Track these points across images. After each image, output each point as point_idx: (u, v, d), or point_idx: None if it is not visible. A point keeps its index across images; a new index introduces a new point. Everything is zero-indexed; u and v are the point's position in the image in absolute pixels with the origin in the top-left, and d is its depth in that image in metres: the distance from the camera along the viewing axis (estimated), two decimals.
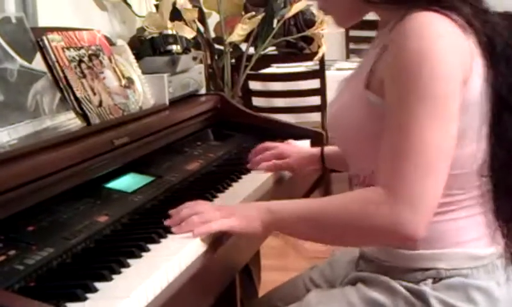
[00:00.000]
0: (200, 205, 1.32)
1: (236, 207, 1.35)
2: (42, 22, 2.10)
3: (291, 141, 1.90)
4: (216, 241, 1.28)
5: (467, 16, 1.23)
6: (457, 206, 1.27)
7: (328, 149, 1.73)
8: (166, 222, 1.30)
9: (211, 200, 1.52)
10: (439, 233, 1.25)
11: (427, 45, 1.17)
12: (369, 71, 1.28)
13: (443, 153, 1.17)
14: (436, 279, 1.25)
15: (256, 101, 3.90)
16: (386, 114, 1.21)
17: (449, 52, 1.19)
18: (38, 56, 1.58)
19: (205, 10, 3.24)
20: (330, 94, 3.67)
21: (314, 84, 3.73)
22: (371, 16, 1.41)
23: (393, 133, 1.19)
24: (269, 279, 2.27)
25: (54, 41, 1.63)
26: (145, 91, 1.90)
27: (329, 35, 3.45)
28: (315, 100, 3.73)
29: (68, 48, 1.66)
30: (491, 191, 1.30)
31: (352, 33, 5.30)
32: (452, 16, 1.21)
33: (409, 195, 1.15)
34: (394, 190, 1.16)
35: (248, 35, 3.25)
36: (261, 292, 2.27)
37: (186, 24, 2.90)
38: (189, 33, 2.71)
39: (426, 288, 1.24)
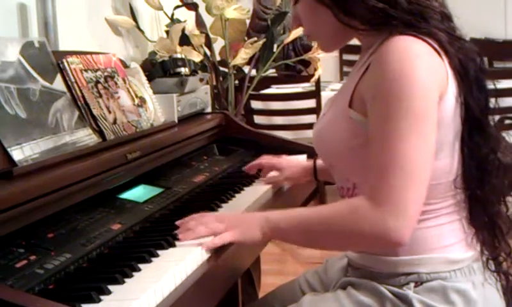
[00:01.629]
0: (205, 217, 1.32)
1: (237, 218, 1.35)
2: (63, 46, 2.10)
3: (284, 156, 1.90)
4: (220, 248, 1.28)
5: (442, 42, 1.24)
6: (434, 214, 1.27)
7: (320, 162, 1.74)
8: (175, 232, 1.31)
9: (216, 210, 1.52)
10: (418, 239, 1.24)
11: (407, 66, 1.18)
12: (353, 91, 1.28)
13: (424, 164, 1.17)
14: (418, 283, 1.25)
15: (258, 119, 3.90)
16: (369, 131, 1.21)
17: (426, 72, 1.19)
18: (59, 77, 1.58)
19: (211, 36, 3.25)
20: None
21: (310, 103, 3.74)
22: None
23: (377, 148, 1.19)
24: (268, 283, 2.27)
25: (73, 63, 1.64)
26: (156, 109, 1.90)
27: (325, 59, 3.46)
28: (312, 118, 3.73)
29: (86, 70, 1.67)
30: (465, 201, 1.30)
31: (346, 57, 5.31)
32: (428, 40, 1.22)
33: (393, 203, 1.15)
34: (379, 199, 1.16)
35: (250, 59, 3.26)
36: (261, 294, 2.26)
37: (194, 49, 2.91)
38: (196, 57, 2.72)
39: (409, 291, 1.24)
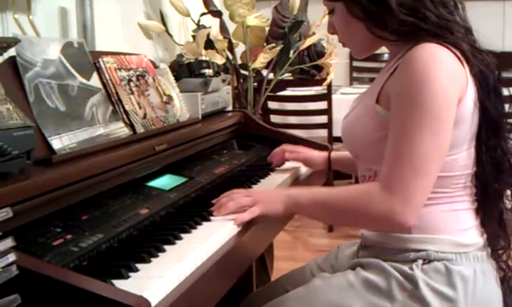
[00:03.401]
0: (234, 194, 1.36)
1: (263, 193, 1.40)
2: (99, 47, 2.11)
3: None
4: (238, 234, 1.28)
5: (465, 51, 1.26)
6: (449, 200, 1.28)
7: (334, 154, 1.77)
8: (211, 209, 1.35)
9: None
10: (431, 220, 1.27)
11: (431, 70, 1.19)
12: (380, 89, 1.29)
13: (433, 160, 1.19)
14: (426, 261, 1.25)
15: (274, 118, 3.89)
16: (390, 123, 1.23)
17: (448, 76, 1.20)
18: (95, 75, 1.59)
19: (234, 41, 3.25)
20: (335, 114, 3.66)
21: (322, 105, 3.72)
22: None
23: (393, 140, 1.21)
24: (280, 267, 2.27)
25: (108, 63, 1.65)
26: (182, 106, 1.91)
27: (336, 64, 3.45)
28: (323, 119, 3.73)
29: (119, 69, 1.68)
30: (477, 194, 1.31)
31: (355, 64, 5.28)
32: (452, 49, 1.23)
33: (401, 191, 1.18)
34: (390, 186, 1.19)
35: (269, 63, 3.25)
36: (273, 278, 2.26)
37: (217, 52, 2.91)
38: (219, 60, 2.72)
39: (416, 271, 1.24)
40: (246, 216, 1.30)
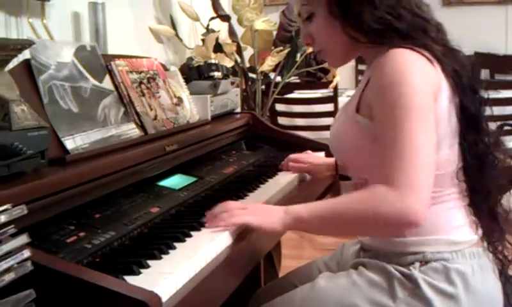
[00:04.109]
0: (229, 204, 1.28)
1: (259, 206, 1.32)
2: (111, 50, 2.12)
3: (309, 152, 1.91)
4: (245, 232, 1.28)
5: (436, 53, 1.24)
6: (439, 200, 1.27)
7: None
8: (204, 219, 1.27)
9: (243, 198, 1.52)
10: (425, 222, 1.23)
11: (402, 68, 1.18)
12: (359, 98, 1.28)
13: (430, 151, 1.16)
14: (423, 262, 1.24)
15: (281, 120, 3.89)
16: (377, 129, 1.20)
17: (420, 73, 1.19)
18: (107, 77, 1.60)
19: (242, 45, 3.25)
20: None
21: (328, 107, 3.72)
22: None
23: (387, 141, 1.16)
24: (287, 266, 2.26)
25: (120, 66, 1.65)
26: (192, 108, 1.91)
27: (342, 68, 3.44)
28: (329, 121, 3.71)
29: (131, 72, 1.68)
30: (466, 190, 1.30)
31: (361, 67, 5.29)
32: (422, 51, 1.22)
33: (411, 186, 1.11)
34: (397, 184, 1.12)
35: (276, 66, 3.26)
36: (280, 276, 2.26)
37: (226, 55, 2.92)
38: (228, 63, 2.73)
39: (415, 271, 1.23)
40: (237, 220, 1.23)
